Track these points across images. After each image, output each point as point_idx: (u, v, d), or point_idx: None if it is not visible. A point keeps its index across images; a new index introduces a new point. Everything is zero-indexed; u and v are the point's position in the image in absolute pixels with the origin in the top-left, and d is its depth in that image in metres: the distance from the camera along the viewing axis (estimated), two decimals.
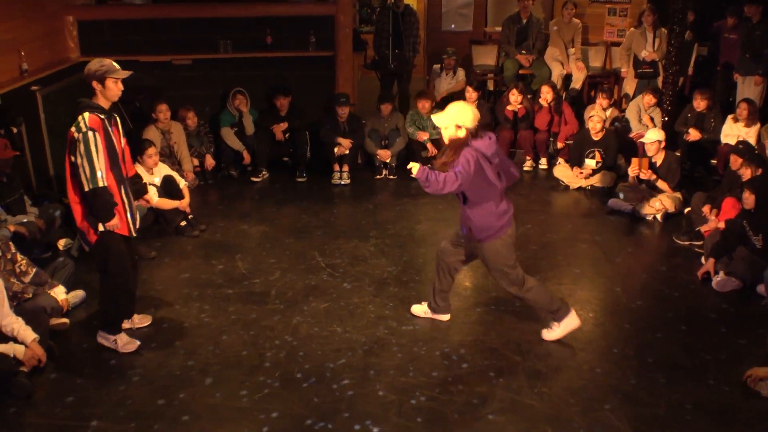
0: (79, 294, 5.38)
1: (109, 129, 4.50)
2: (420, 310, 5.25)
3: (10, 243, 5.12)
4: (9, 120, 6.44)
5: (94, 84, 4.45)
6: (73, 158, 4.41)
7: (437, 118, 4.52)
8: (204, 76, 8.81)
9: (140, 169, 6.61)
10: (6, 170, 6.00)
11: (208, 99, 8.76)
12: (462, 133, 4.42)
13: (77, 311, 5.26)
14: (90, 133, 4.34)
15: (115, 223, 4.52)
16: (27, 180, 6.80)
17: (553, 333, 4.89)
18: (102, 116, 4.45)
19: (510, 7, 10.69)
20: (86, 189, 4.38)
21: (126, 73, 4.54)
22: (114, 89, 4.50)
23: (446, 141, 4.51)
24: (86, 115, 4.38)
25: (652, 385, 4.42)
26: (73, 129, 4.39)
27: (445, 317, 5.18)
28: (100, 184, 4.37)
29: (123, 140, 4.68)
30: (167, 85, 8.61)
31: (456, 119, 4.42)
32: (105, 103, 4.51)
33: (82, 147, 4.34)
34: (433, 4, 11.71)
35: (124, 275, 4.67)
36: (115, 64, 4.51)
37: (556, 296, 4.96)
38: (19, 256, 5.07)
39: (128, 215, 4.67)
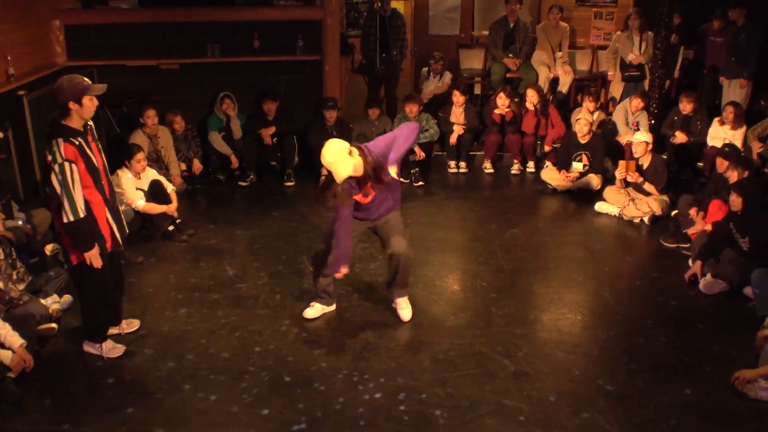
0: (66, 299, 5.34)
1: (86, 148, 4.35)
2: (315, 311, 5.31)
3: (12, 249, 5.10)
4: None
5: (71, 105, 4.25)
6: (48, 189, 4.29)
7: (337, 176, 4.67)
8: (191, 80, 8.79)
9: (127, 174, 6.61)
10: None
11: (196, 103, 8.74)
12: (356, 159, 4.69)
13: (65, 317, 5.21)
14: (66, 165, 4.20)
15: (94, 254, 4.40)
16: (13, 185, 6.76)
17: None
18: (77, 142, 4.28)
19: (497, 11, 10.73)
20: (65, 221, 4.27)
21: (102, 88, 4.39)
22: (91, 107, 4.31)
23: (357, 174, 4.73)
24: (61, 144, 4.20)
25: (641, 387, 4.43)
26: (48, 155, 4.24)
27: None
28: (81, 215, 4.27)
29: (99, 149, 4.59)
30: (155, 89, 8.58)
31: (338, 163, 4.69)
32: (79, 123, 4.33)
33: (59, 177, 4.21)
34: (420, 8, 11.73)
35: (103, 290, 4.61)
36: (86, 79, 4.35)
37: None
38: (18, 263, 5.05)
39: (115, 230, 4.61)
